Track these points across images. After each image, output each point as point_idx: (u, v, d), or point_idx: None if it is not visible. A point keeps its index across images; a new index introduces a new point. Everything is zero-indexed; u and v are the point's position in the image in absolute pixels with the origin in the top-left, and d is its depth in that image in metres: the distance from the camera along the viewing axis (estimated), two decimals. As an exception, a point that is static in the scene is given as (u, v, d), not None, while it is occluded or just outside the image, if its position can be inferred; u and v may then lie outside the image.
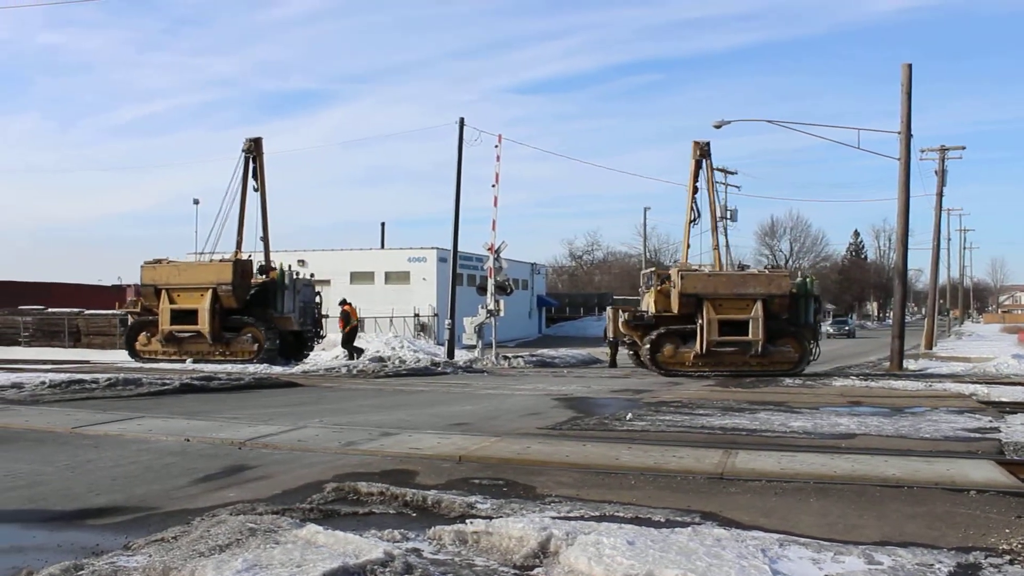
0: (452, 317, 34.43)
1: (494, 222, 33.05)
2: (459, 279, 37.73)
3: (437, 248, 53.79)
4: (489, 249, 32.47)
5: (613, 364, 30.89)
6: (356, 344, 29.73)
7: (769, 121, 33.71)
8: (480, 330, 32.44)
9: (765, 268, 28.15)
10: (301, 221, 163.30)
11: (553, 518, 6.36)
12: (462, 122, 34.60)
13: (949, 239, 72.87)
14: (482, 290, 33.49)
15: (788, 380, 22.47)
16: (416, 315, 51.02)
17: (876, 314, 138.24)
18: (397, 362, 27.01)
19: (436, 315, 50.70)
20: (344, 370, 24.42)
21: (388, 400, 16.78)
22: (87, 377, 17.85)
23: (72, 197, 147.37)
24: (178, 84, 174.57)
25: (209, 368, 24.57)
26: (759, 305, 25.16)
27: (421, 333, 49.26)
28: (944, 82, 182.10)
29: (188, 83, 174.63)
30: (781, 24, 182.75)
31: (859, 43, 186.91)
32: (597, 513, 6.69)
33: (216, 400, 16.02)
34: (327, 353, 33.06)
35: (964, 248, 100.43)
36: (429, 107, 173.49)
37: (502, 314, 32.80)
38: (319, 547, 5.30)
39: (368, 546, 5.27)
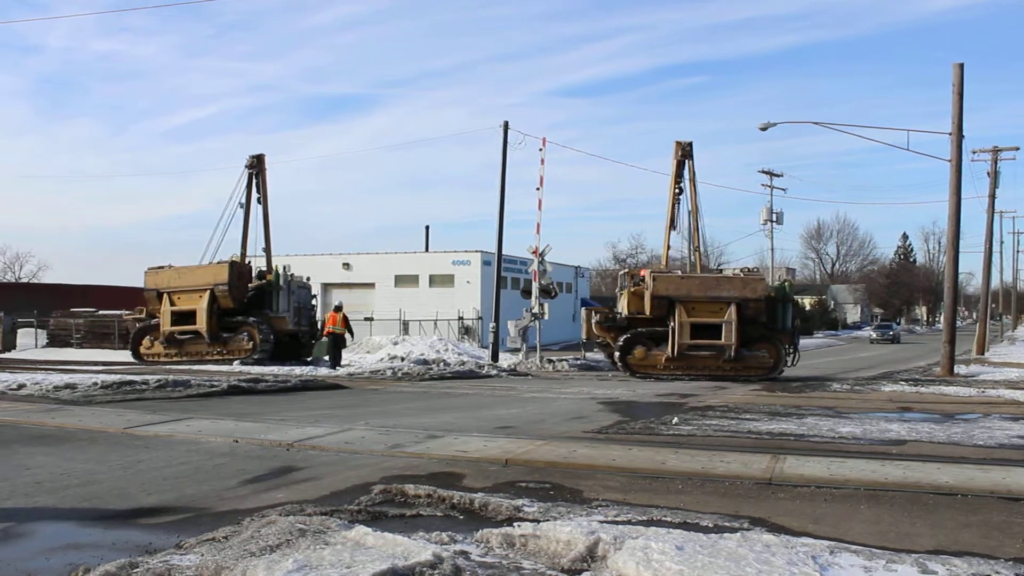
0: (496, 320, 34.44)
1: (538, 225, 33.05)
2: (503, 282, 37.73)
3: (481, 251, 53.84)
4: (533, 252, 32.45)
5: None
6: (338, 350, 28.97)
7: (816, 123, 33.51)
8: (524, 333, 32.41)
9: (740, 271, 27.80)
10: (345, 225, 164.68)
11: (600, 522, 6.34)
12: (506, 126, 34.65)
13: (1002, 242, 71.54)
14: (526, 293, 33.50)
15: (836, 385, 22.17)
16: (460, 318, 51.11)
17: (925, 319, 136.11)
18: (441, 365, 27.11)
19: (480, 318, 50.73)
20: (389, 373, 24.55)
21: (433, 403, 16.84)
22: (137, 378, 18.13)
23: (122, 201, 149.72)
24: (225, 89, 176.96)
25: (256, 370, 24.88)
26: (733, 309, 24.91)
27: (465, 336, 49.35)
28: (997, 82, 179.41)
29: (235, 88, 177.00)
30: (829, 25, 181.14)
31: (909, 43, 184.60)
32: (645, 517, 6.66)
33: (263, 402, 16.18)
34: (372, 355, 33.28)
35: (1017, 251, 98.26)
36: (473, 111, 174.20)
37: (546, 317, 32.76)
38: (368, 548, 5.33)
39: (417, 548, 5.29)
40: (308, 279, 32.64)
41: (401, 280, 55.88)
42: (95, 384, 16.97)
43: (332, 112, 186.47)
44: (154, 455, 9.60)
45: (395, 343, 36.53)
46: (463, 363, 28.04)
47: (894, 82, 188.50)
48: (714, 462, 9.09)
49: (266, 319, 29.08)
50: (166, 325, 29.01)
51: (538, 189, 33.03)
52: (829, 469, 8.65)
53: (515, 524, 6.21)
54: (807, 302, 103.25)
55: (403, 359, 30.51)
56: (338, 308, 29.21)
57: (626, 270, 30.09)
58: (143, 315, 30.56)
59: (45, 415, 12.98)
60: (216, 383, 18.05)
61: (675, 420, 13.38)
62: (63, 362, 30.46)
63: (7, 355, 34.92)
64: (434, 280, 55.45)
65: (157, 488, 7.79)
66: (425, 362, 27.73)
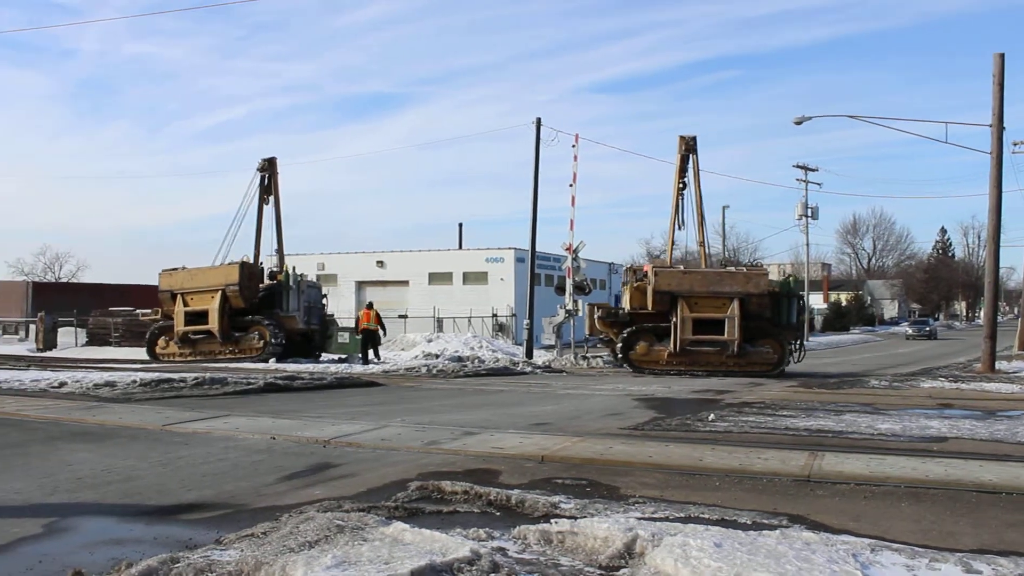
0: (530, 317, 34.45)
1: (572, 222, 32.99)
2: (537, 279, 37.72)
3: (515, 248, 53.88)
4: (567, 249, 32.38)
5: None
6: (373, 347, 29.36)
7: (852, 116, 33.06)
8: (559, 330, 32.38)
9: (743, 266, 27.58)
10: (380, 223, 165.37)
11: (638, 519, 6.32)
12: (539, 122, 34.62)
13: (1044, 236, 70.28)
14: (560, 290, 33.43)
15: (874, 381, 21.94)
16: (494, 315, 51.15)
17: (964, 314, 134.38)
18: (476, 362, 27.14)
19: (514, 315, 50.76)
20: (424, 370, 24.63)
21: (468, 400, 16.87)
22: (175, 376, 18.33)
23: (158, 202, 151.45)
24: (258, 89, 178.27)
25: (292, 368, 25.11)
26: (736, 304, 24.75)
27: (499, 333, 49.38)
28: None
29: (267, 88, 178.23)
30: (864, 17, 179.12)
31: (947, 35, 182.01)
32: (682, 514, 6.63)
33: (299, 399, 16.30)
34: (406, 353, 33.41)
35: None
36: (506, 108, 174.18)
37: (580, 314, 32.68)
38: (406, 545, 5.35)
39: (455, 544, 5.29)
40: (318, 279, 33.30)
41: (435, 278, 56.06)
42: (134, 382, 17.18)
43: (366, 111, 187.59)
44: (193, 452, 9.69)
45: (429, 340, 36.68)
46: (497, 360, 28.07)
47: (931, 74, 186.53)
48: (751, 459, 9.03)
49: (276, 318, 29.67)
50: (180, 325, 29.68)
51: (571, 185, 32.97)
52: (868, 466, 8.56)
53: (552, 521, 6.20)
54: (843, 298, 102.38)
55: (437, 356, 30.62)
56: (370, 306, 29.66)
57: (629, 265, 30.05)
58: (159, 316, 31.32)
59: (86, 412, 13.15)
60: (252, 381, 18.20)
61: (711, 416, 13.31)
62: (102, 360, 30.88)
63: (48, 353, 35.45)
64: (468, 277, 55.57)
65: (196, 484, 7.86)
66: (459, 359, 27.78)
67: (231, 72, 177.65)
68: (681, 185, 28.36)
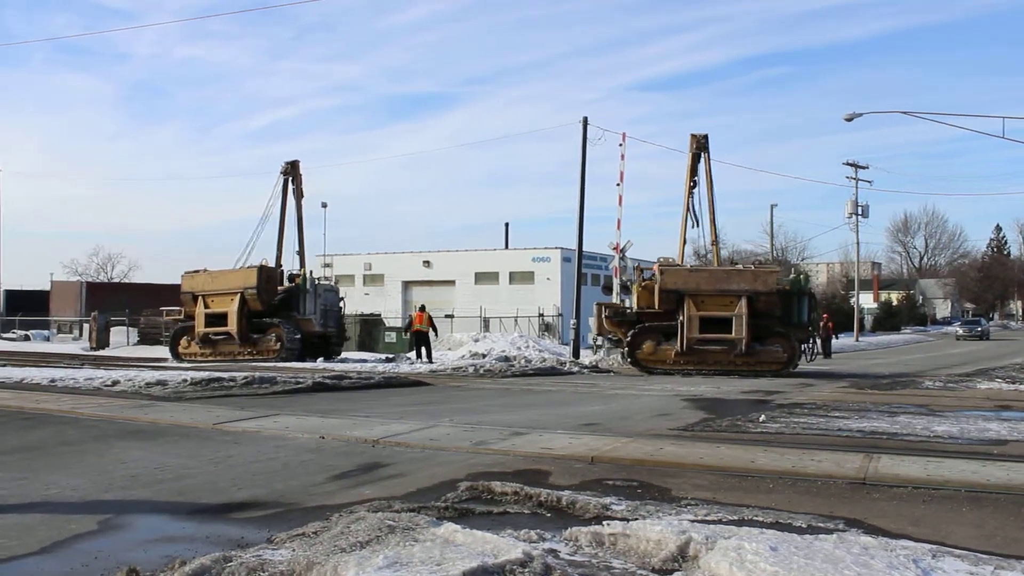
0: (577, 317, 34.31)
1: (619, 221, 32.77)
2: (584, 279, 37.57)
3: (561, 248, 53.77)
4: (614, 248, 32.20)
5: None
6: (426, 348, 30.01)
7: (904, 112, 32.62)
8: (605, 330, 32.21)
9: (752, 264, 27.20)
10: (427, 223, 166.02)
11: (691, 521, 6.23)
12: (585, 121, 34.50)
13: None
14: (607, 290, 33.28)
15: (928, 382, 21.53)
16: (540, 315, 51.07)
17: (1021, 314, 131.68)
18: (523, 362, 27.07)
19: (560, 315, 50.63)
20: (471, 369, 24.64)
21: (516, 399, 16.83)
22: (225, 375, 18.53)
23: (208, 202, 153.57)
24: (306, 90, 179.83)
25: (340, 367, 25.31)
26: (744, 302, 24.34)
27: (546, 333, 49.29)
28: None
29: (316, 89, 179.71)
30: (917, 11, 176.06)
31: (1003, 27, 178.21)
32: (735, 517, 6.52)
33: (347, 399, 16.36)
34: (453, 352, 33.45)
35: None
36: (552, 107, 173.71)
37: (628, 314, 32.49)
38: (457, 546, 5.31)
39: (507, 546, 5.25)
40: (336, 282, 34.02)
41: (481, 277, 56.17)
42: (185, 381, 17.38)
43: (413, 111, 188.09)
44: (243, 450, 9.76)
45: (476, 340, 36.65)
46: (544, 360, 27.97)
47: (987, 68, 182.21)
48: (805, 461, 8.88)
49: (293, 321, 30.31)
50: (200, 326, 30.47)
51: (618, 185, 32.80)
52: (926, 469, 8.37)
53: (604, 523, 6.13)
54: (894, 297, 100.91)
55: (484, 356, 30.57)
56: (422, 308, 30.19)
57: (636, 264, 29.91)
58: (182, 316, 32.10)
59: (138, 411, 13.32)
60: (301, 380, 18.32)
61: (762, 418, 13.14)
62: (153, 359, 31.40)
63: (101, 352, 36.05)
64: (514, 277, 55.61)
65: (247, 483, 7.90)
66: (506, 359, 27.74)
67: (279, 73, 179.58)
68: (692, 184, 28.22)
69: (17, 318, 55.73)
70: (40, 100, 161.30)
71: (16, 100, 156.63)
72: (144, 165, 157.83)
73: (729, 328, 24.49)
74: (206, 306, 30.49)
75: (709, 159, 28.18)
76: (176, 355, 31.16)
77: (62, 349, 41.77)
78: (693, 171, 28.11)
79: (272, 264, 31.38)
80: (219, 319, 30.16)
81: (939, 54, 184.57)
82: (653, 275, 25.93)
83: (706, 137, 28.14)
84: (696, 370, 24.72)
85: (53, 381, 18.11)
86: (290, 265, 32.55)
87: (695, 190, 28.22)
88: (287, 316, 30.40)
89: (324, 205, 49.55)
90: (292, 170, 32.67)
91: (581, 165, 34.68)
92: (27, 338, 51.50)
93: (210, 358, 29.87)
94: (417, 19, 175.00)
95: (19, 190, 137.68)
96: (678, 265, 26.86)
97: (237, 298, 29.76)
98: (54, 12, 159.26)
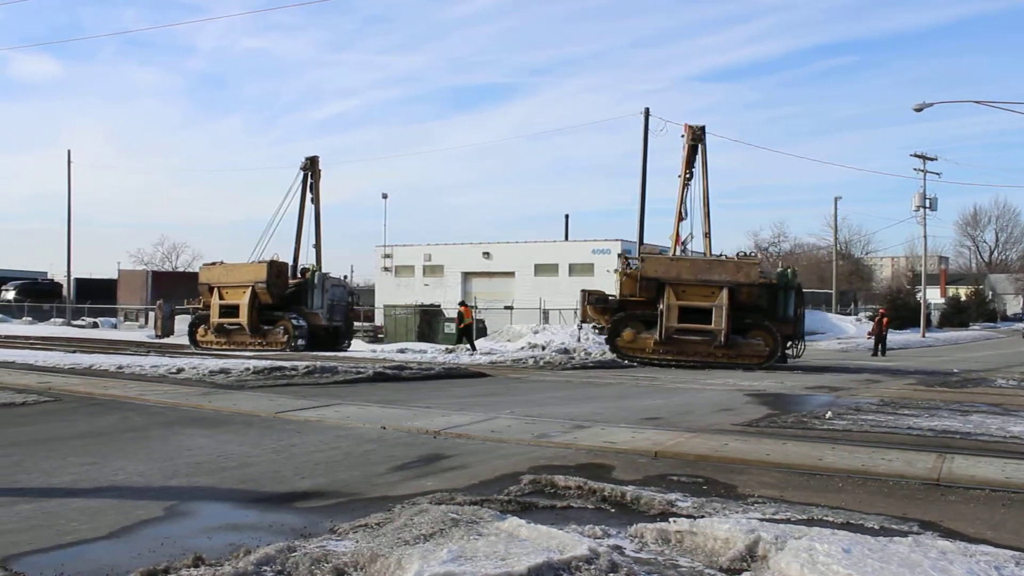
0: (637, 309, 34.06)
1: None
2: (644, 271, 37.21)
3: (621, 240, 53.34)
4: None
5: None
6: (474, 341, 30.89)
7: (977, 102, 31.78)
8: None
9: (735, 255, 26.75)
10: (487, 214, 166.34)
11: (759, 520, 6.08)
12: (647, 112, 34.23)
13: None
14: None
15: (1001, 381, 20.97)
16: (600, 307, 50.74)
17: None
18: (582, 354, 26.97)
19: (620, 307, 50.30)
20: (531, 361, 24.59)
21: (576, 392, 16.72)
22: (287, 364, 18.70)
23: (268, 193, 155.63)
24: (369, 82, 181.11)
25: (400, 358, 25.43)
26: (724, 293, 24.09)
27: (605, 325, 49.01)
28: None
29: (379, 80, 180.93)
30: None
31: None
32: (804, 516, 6.36)
33: (408, 389, 16.39)
34: (512, 344, 33.43)
35: None
36: (613, 98, 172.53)
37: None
38: (522, 540, 5.23)
39: (572, 542, 5.16)
40: (345, 278, 35.28)
41: (540, 269, 56.01)
42: (247, 369, 17.58)
43: (476, 102, 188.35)
44: (305, 439, 9.80)
45: (535, 332, 36.59)
46: (604, 352, 27.80)
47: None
48: (875, 459, 8.65)
49: (301, 314, 31.68)
50: (215, 316, 32.03)
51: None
52: (1004, 471, 8.10)
53: (670, 520, 6.01)
54: (962, 293, 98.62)
55: (544, 348, 30.50)
56: (463, 303, 32.19)
57: (621, 252, 29.72)
58: (200, 305, 33.48)
59: (202, 398, 13.49)
60: (362, 370, 18.42)
61: (828, 414, 12.87)
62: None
63: (166, 340, 36.68)
64: (574, 269, 55.34)
65: (310, 472, 7.92)
66: (566, 351, 27.66)
67: (342, 64, 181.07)
68: (688, 176, 27.92)
69: (86, 306, 56.93)
70: (108, 92, 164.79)
71: (85, 92, 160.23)
72: (209, 156, 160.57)
73: (709, 319, 24.33)
74: (221, 297, 32.00)
75: (705, 151, 28.15)
76: (194, 342, 32.70)
77: (128, 336, 42.65)
78: (689, 163, 27.94)
79: (289, 259, 33.05)
80: (232, 310, 31.63)
81: (1010, 41, 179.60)
82: (637, 263, 25.84)
83: (703, 128, 28.08)
84: (675, 360, 24.64)
85: (120, 368, 18.46)
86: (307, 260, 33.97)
87: (691, 182, 28.09)
88: (297, 310, 31.76)
89: (384, 196, 49.85)
90: (311, 166, 33.76)
91: (643, 157, 34.48)
92: (95, 325, 52.63)
93: (224, 347, 31.09)
94: (478, 10, 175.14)
95: (89, 182, 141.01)
96: (659, 254, 26.74)
97: (249, 291, 31.14)
98: (123, 7, 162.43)
